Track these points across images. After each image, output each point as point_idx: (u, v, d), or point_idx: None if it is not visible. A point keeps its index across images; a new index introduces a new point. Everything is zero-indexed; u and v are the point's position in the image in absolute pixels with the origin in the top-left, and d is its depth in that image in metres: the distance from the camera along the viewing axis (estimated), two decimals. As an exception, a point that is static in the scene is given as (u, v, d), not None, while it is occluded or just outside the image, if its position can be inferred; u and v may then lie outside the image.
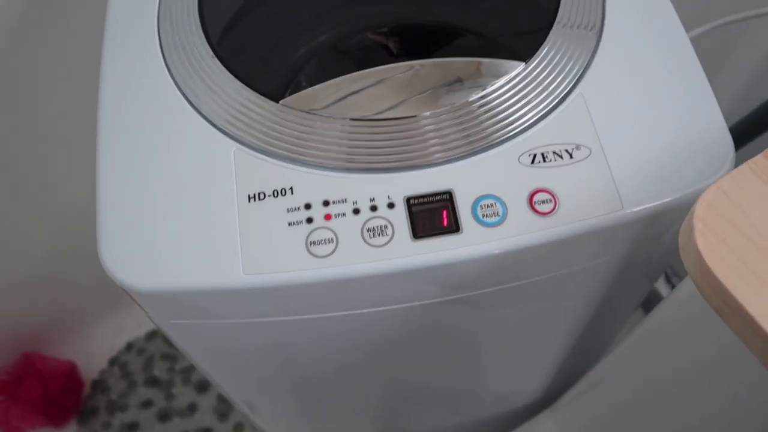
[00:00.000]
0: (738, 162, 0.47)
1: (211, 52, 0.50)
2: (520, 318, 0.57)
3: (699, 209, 0.36)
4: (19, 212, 0.96)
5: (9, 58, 0.80)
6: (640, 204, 0.45)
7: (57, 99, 0.88)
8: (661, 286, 1.07)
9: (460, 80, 0.51)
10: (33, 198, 0.97)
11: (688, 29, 0.53)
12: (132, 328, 1.22)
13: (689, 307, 0.52)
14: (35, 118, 0.88)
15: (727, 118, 0.49)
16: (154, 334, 1.21)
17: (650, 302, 0.94)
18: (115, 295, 0.49)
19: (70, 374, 1.15)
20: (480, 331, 0.58)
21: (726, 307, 0.34)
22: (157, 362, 1.17)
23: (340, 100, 0.49)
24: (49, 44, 0.82)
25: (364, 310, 0.48)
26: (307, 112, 0.47)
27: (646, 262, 0.56)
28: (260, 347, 0.54)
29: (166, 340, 1.19)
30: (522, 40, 0.57)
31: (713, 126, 0.48)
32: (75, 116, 0.82)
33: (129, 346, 1.20)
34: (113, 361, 1.19)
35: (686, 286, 0.52)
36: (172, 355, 1.19)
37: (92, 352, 1.21)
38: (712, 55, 0.62)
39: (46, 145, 0.92)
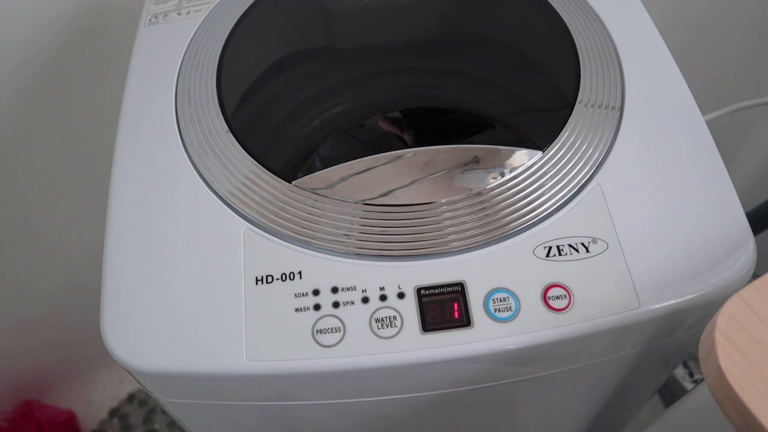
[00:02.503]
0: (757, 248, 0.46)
1: (226, 127, 0.50)
2: (529, 406, 0.55)
3: (721, 322, 0.35)
4: (24, 259, 0.96)
5: (28, 114, 0.81)
6: (658, 302, 0.43)
7: (71, 153, 0.88)
8: (677, 370, 1.04)
9: (477, 159, 0.50)
10: (39, 246, 0.96)
11: (703, 112, 0.52)
12: (135, 377, 1.20)
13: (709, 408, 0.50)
14: (48, 168, 0.89)
15: (743, 203, 0.48)
16: (156, 386, 1.19)
17: (668, 386, 0.91)
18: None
19: (68, 424, 1.13)
20: (488, 416, 0.56)
21: (747, 427, 0.33)
22: (158, 416, 1.15)
23: (351, 176, 0.48)
24: (68, 102, 0.83)
25: (370, 399, 0.46)
26: (319, 194, 0.47)
27: (663, 355, 0.54)
28: (261, 427, 0.53)
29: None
30: (543, 120, 0.56)
31: (732, 218, 0.46)
32: (88, 166, 0.82)
33: (131, 397, 1.19)
34: (113, 412, 1.17)
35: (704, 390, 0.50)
36: (173, 408, 1.16)
37: (93, 401, 1.19)
38: (727, 139, 0.61)
39: (56, 194, 0.92)
